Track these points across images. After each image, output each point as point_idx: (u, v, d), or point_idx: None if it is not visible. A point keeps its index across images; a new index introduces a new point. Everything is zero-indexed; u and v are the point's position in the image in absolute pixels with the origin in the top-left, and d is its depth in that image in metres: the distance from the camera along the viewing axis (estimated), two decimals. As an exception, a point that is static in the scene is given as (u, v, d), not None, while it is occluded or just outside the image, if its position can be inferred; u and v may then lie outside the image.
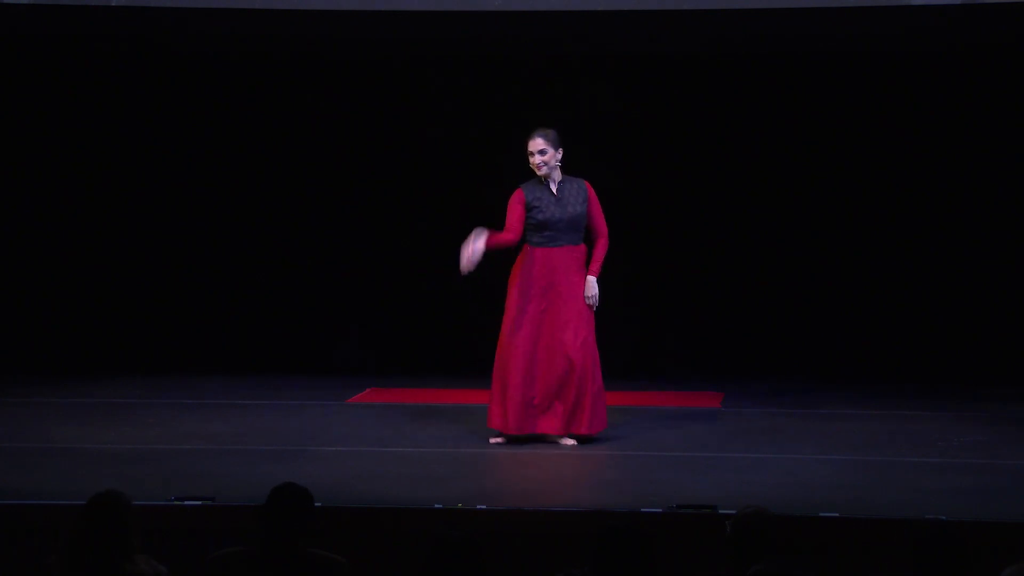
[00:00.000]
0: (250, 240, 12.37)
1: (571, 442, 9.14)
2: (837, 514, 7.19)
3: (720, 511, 7.12)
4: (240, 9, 10.48)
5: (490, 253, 9.16)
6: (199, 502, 7.33)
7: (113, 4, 10.39)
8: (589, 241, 9.34)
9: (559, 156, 9.22)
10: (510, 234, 9.18)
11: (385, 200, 12.30)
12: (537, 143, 9.18)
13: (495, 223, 9.25)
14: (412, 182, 12.25)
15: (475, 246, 9.09)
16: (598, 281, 9.23)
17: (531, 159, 9.20)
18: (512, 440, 9.18)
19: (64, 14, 10.57)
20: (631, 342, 12.14)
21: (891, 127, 11.90)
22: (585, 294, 9.19)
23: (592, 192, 9.30)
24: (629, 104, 12.09)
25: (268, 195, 12.35)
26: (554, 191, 9.20)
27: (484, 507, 7.36)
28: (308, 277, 12.40)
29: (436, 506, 7.36)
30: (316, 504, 5.77)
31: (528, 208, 9.17)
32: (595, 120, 12.00)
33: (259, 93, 12.28)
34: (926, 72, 11.75)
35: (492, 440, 9.25)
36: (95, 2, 10.47)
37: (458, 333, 12.02)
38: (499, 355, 9.22)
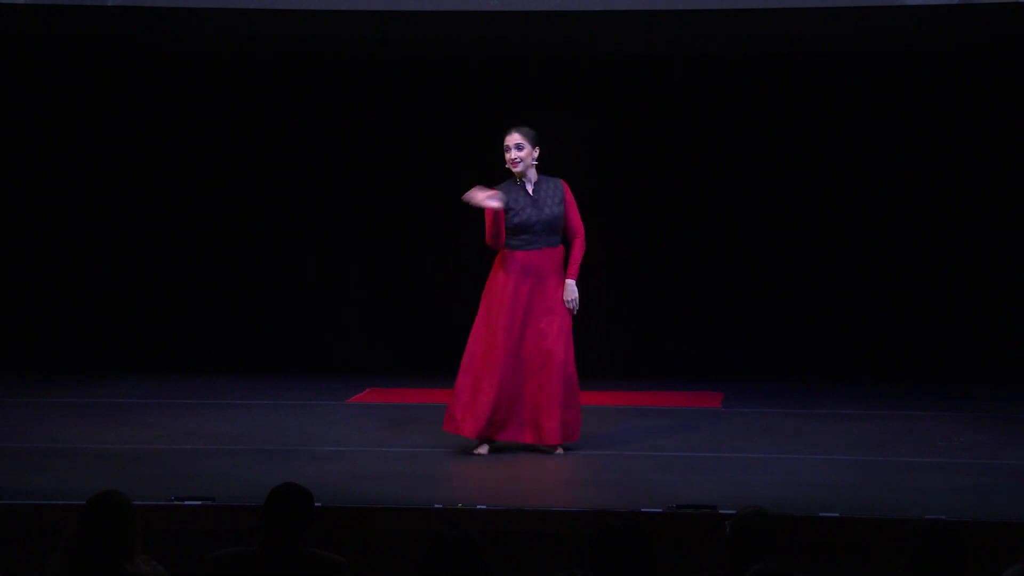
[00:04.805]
0: (250, 240, 12.37)
1: (560, 451, 8.99)
2: (837, 514, 7.18)
3: (720, 511, 7.11)
4: (238, 9, 10.49)
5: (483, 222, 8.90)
6: (199, 502, 7.33)
7: (109, 4, 10.39)
8: (567, 241, 9.06)
9: (536, 155, 8.96)
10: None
11: (384, 200, 12.30)
12: (514, 137, 8.91)
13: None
14: (411, 182, 12.25)
15: (488, 200, 8.77)
16: (577, 284, 8.96)
17: (507, 154, 8.91)
18: (471, 444, 8.98)
19: (61, 14, 10.57)
20: (631, 342, 12.15)
21: (888, 126, 11.90)
22: (564, 298, 8.92)
23: (568, 191, 8.99)
24: (628, 104, 12.09)
25: (268, 195, 12.35)
26: (530, 192, 8.94)
27: (484, 507, 7.36)
28: (308, 277, 12.41)
29: (436, 506, 7.36)
30: (316, 504, 5.77)
31: (504, 210, 8.86)
32: (594, 120, 12.00)
33: (258, 93, 12.28)
34: (922, 72, 11.76)
35: (477, 452, 8.95)
36: (92, 2, 10.47)
37: (458, 333, 11.98)
38: (469, 359, 8.93)
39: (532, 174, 8.99)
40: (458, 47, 11.68)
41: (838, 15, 10.23)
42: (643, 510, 7.27)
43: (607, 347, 11.70)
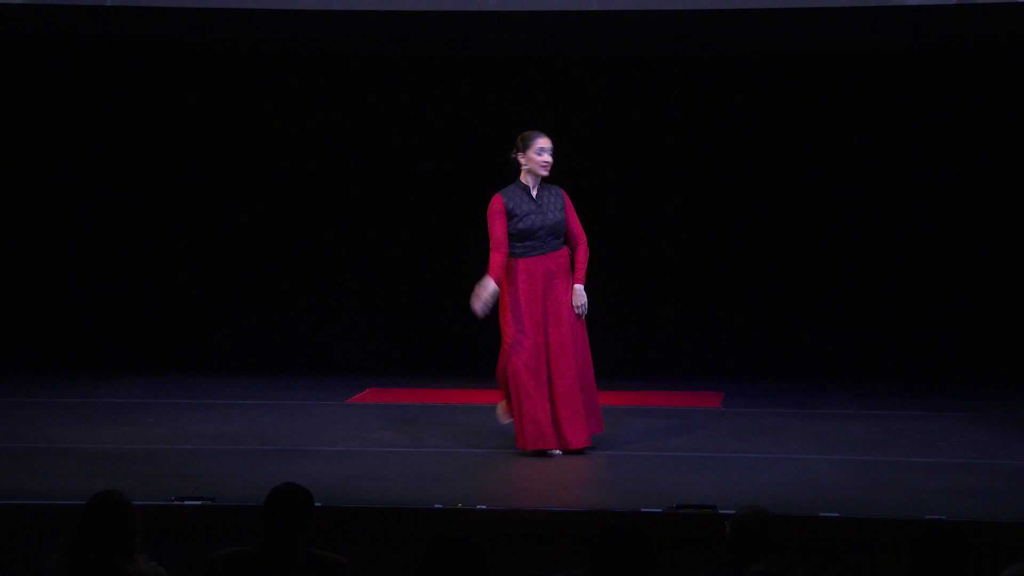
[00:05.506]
0: (251, 240, 12.38)
1: (559, 452, 8.98)
2: (837, 514, 7.18)
3: (720, 511, 7.11)
4: (238, 9, 10.48)
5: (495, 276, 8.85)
6: (199, 502, 7.33)
7: (108, 4, 10.38)
8: (569, 245, 9.00)
9: None
10: (501, 252, 8.82)
11: (385, 200, 12.31)
12: (549, 141, 8.86)
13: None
14: (411, 182, 12.26)
15: (485, 296, 8.73)
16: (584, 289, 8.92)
17: (540, 156, 8.82)
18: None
19: (60, 14, 10.56)
20: (631, 341, 12.16)
21: (888, 126, 11.91)
22: (573, 303, 8.88)
23: (568, 199, 8.95)
24: (627, 104, 12.09)
25: (268, 195, 12.35)
26: (534, 196, 8.89)
27: (484, 507, 7.35)
28: (309, 278, 12.41)
29: (436, 506, 7.36)
30: (316, 504, 5.77)
31: (508, 216, 8.83)
32: (593, 120, 12.00)
33: (258, 92, 12.29)
34: (923, 72, 11.76)
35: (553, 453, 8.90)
36: (90, 2, 10.46)
37: (458, 333, 12.03)
38: (526, 378, 8.80)
39: (537, 180, 8.95)
40: (458, 47, 11.68)
41: (838, 15, 10.23)
42: (643, 510, 7.26)
43: (607, 347, 11.68)
